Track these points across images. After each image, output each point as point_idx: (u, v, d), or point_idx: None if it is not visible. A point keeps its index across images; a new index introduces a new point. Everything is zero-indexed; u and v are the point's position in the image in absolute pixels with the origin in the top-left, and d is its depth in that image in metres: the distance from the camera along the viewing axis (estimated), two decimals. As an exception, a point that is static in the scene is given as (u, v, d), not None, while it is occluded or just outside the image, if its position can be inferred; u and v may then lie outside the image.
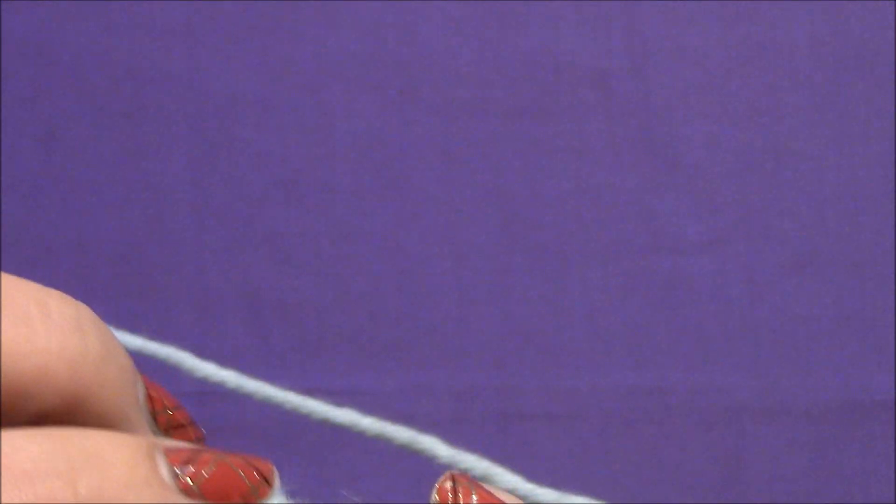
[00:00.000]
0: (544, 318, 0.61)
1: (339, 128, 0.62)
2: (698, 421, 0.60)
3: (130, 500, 0.20)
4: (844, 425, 0.59)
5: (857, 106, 0.61)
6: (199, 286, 0.61)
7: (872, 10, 0.62)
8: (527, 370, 0.60)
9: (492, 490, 0.24)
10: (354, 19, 0.63)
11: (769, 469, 0.59)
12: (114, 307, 0.59)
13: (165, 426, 0.23)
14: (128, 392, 0.22)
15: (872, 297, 0.60)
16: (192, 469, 0.21)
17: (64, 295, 0.21)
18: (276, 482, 0.22)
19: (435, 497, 0.23)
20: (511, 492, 0.26)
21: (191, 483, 0.21)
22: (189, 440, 0.24)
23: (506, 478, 0.26)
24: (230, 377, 0.25)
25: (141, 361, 0.24)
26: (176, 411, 0.24)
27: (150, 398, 0.23)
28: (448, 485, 0.24)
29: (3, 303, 0.20)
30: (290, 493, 0.22)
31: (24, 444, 0.19)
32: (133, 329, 0.27)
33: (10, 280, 0.21)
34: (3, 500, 0.19)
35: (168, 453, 0.21)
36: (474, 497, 0.23)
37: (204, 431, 0.25)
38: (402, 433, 0.26)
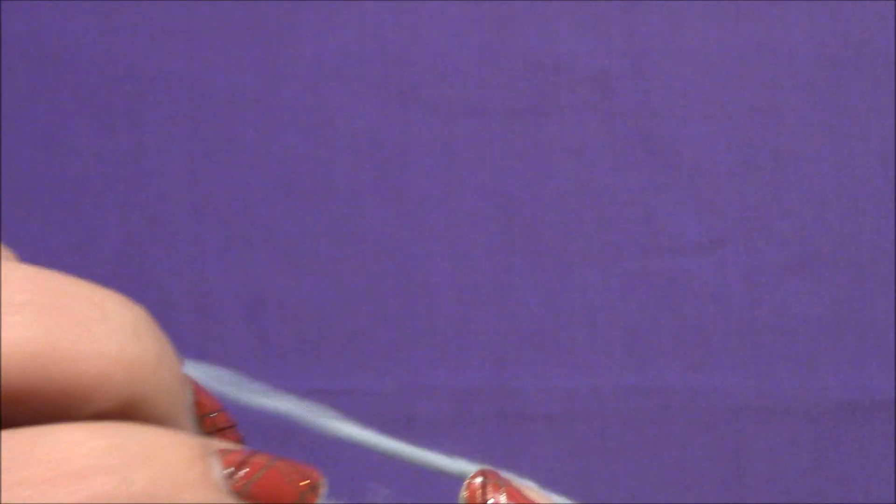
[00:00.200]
0: (544, 318, 0.61)
1: (339, 128, 0.62)
2: (698, 421, 0.60)
3: (183, 499, 0.20)
4: (844, 425, 0.59)
5: (857, 106, 0.61)
6: (199, 286, 0.61)
7: (872, 10, 0.62)
8: (527, 370, 0.60)
9: (522, 488, 0.24)
10: (354, 19, 0.63)
11: (769, 469, 0.59)
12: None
13: (210, 429, 0.24)
14: (179, 396, 0.22)
15: (872, 297, 0.60)
16: (244, 472, 0.21)
17: (122, 297, 0.22)
18: (324, 491, 0.22)
19: (464, 494, 0.23)
20: None
21: (242, 486, 0.21)
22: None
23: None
24: (284, 401, 0.26)
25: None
26: (218, 415, 0.24)
27: (196, 402, 0.23)
28: (478, 481, 0.24)
29: (62, 305, 0.21)
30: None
31: (82, 439, 0.20)
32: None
33: (68, 281, 0.21)
34: (60, 496, 0.19)
35: (221, 455, 0.21)
36: (504, 495, 0.23)
37: (242, 435, 0.25)
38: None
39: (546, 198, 0.62)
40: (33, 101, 0.63)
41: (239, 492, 0.21)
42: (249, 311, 0.61)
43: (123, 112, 0.63)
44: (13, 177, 0.62)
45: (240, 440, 0.24)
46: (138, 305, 0.22)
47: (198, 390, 0.24)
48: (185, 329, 0.60)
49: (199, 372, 0.26)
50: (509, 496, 0.24)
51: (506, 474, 0.24)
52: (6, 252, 0.24)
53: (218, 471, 0.21)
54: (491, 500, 0.23)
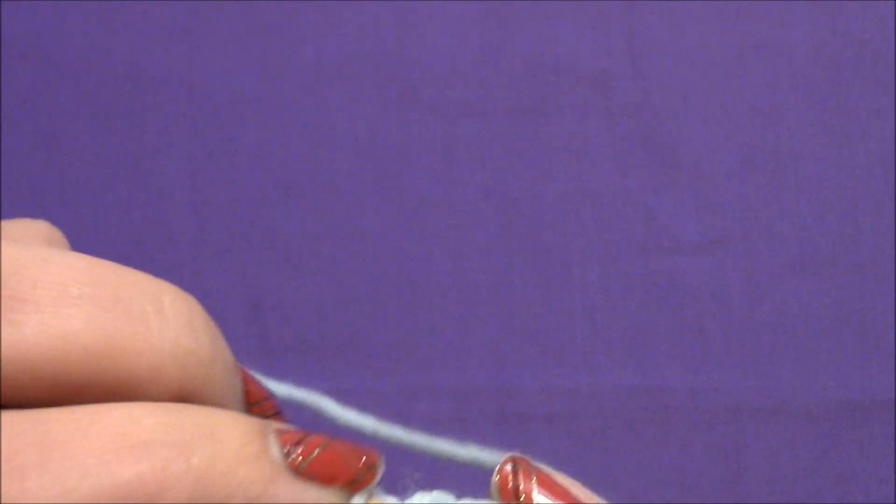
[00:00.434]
0: (544, 318, 0.61)
1: (339, 128, 0.62)
2: (698, 421, 0.60)
3: (241, 474, 0.20)
4: (844, 425, 0.59)
5: (857, 106, 0.61)
6: (199, 286, 0.61)
7: (872, 10, 0.62)
8: (527, 370, 0.60)
9: (553, 474, 0.24)
10: (354, 19, 0.63)
11: (769, 469, 0.59)
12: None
13: (259, 417, 0.24)
14: (231, 387, 0.23)
15: (872, 297, 0.60)
16: (301, 449, 0.21)
17: (177, 289, 0.22)
18: (381, 471, 0.22)
19: (496, 479, 0.24)
20: None
21: (299, 462, 0.21)
22: None
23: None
24: (368, 423, 0.26)
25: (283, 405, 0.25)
26: (266, 402, 0.24)
27: (245, 391, 0.24)
28: (508, 467, 0.24)
29: (118, 297, 0.21)
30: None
31: (143, 415, 0.20)
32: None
33: (125, 272, 0.22)
34: (122, 466, 0.19)
35: (279, 433, 0.21)
36: (535, 481, 0.24)
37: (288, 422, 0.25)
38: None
39: (546, 198, 0.62)
40: (33, 101, 0.63)
41: (296, 469, 0.21)
42: (249, 311, 0.61)
43: (123, 112, 0.63)
44: (13, 177, 0.62)
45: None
46: (192, 297, 0.22)
47: (247, 379, 0.24)
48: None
49: (284, 390, 0.26)
50: (540, 482, 0.24)
51: (536, 462, 0.24)
52: (61, 240, 0.24)
53: (276, 448, 0.21)
54: (522, 486, 0.23)
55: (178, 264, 0.61)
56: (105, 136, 0.62)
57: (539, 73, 0.62)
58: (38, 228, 0.25)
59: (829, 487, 0.59)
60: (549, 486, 0.24)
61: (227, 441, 0.20)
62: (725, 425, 0.60)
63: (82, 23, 0.63)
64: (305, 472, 0.21)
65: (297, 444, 0.21)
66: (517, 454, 0.24)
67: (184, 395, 0.21)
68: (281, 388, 0.27)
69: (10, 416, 0.19)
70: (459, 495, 0.24)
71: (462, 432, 0.63)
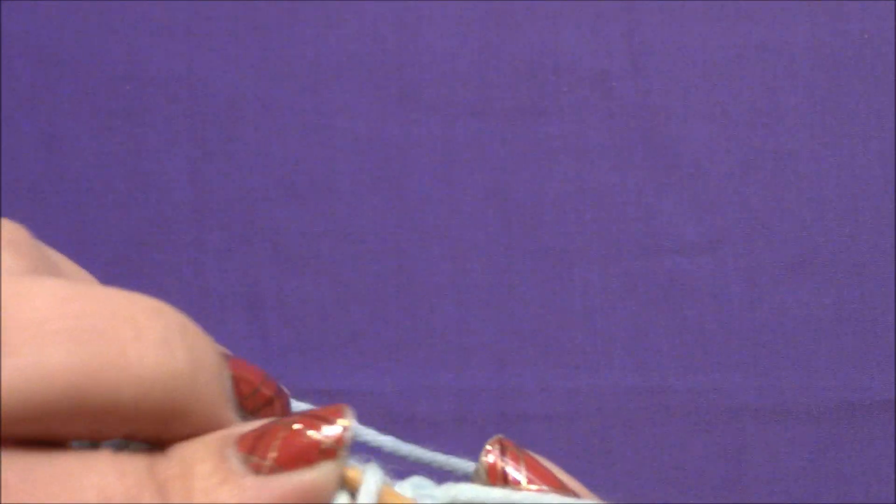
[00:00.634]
0: (544, 319, 0.61)
1: (339, 128, 0.62)
2: (698, 421, 0.60)
3: (219, 498, 0.21)
4: (844, 425, 0.59)
5: (857, 106, 0.61)
6: (199, 286, 0.61)
7: (872, 10, 0.62)
8: (527, 370, 0.60)
9: (537, 458, 0.24)
10: (354, 19, 0.63)
11: (769, 469, 0.59)
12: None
13: (253, 408, 0.24)
14: (217, 392, 0.22)
15: (872, 298, 0.60)
16: (260, 449, 0.21)
17: (151, 304, 0.22)
18: (352, 420, 0.22)
19: (483, 461, 0.24)
20: None
21: (263, 464, 0.21)
22: (276, 413, 0.24)
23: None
24: (387, 441, 0.26)
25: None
26: (263, 386, 0.24)
27: (237, 386, 0.24)
28: (497, 448, 0.24)
29: (97, 328, 0.21)
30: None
31: (112, 480, 0.20)
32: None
33: (100, 297, 0.21)
34: None
35: (238, 443, 0.22)
36: (523, 462, 0.24)
37: (288, 392, 0.25)
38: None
39: (546, 198, 0.62)
40: (33, 101, 0.63)
41: (260, 468, 0.21)
42: (249, 311, 0.61)
43: (123, 112, 0.63)
44: (13, 177, 0.62)
45: (284, 407, 0.25)
46: (168, 308, 0.22)
47: (236, 374, 0.24)
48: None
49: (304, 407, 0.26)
50: (527, 463, 0.24)
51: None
52: (23, 237, 0.24)
53: (236, 461, 0.21)
54: (510, 467, 0.24)
55: (178, 264, 0.61)
56: (105, 136, 0.62)
57: (539, 73, 0.62)
58: None
59: (829, 487, 0.59)
60: (536, 469, 0.24)
61: (196, 479, 0.21)
62: (725, 425, 0.60)
63: (82, 23, 0.63)
64: (272, 469, 0.21)
65: (255, 444, 0.22)
66: (503, 437, 0.25)
67: (169, 415, 0.21)
68: (300, 405, 0.27)
69: None
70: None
71: (462, 432, 0.63)
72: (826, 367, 0.60)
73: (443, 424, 0.59)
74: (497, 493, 0.23)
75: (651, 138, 0.62)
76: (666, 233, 0.61)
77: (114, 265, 0.61)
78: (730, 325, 0.60)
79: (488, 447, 0.24)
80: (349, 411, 0.22)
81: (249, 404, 0.24)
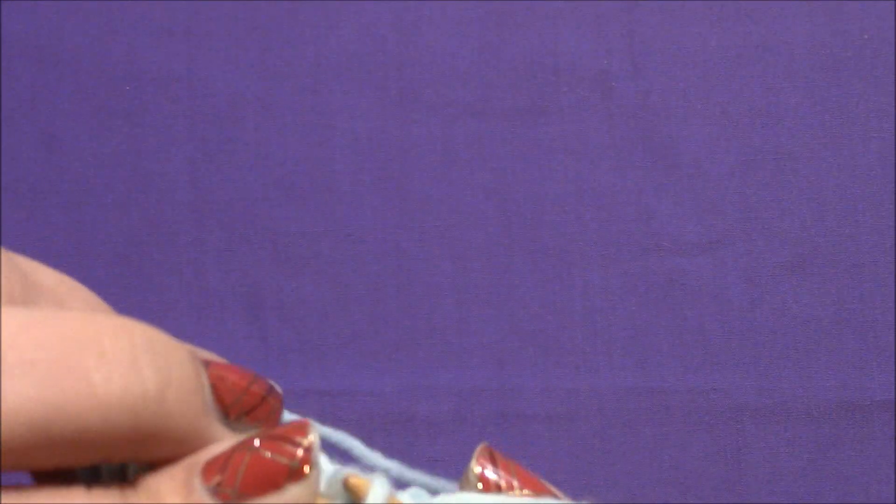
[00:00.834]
0: (544, 318, 0.61)
1: (339, 128, 0.62)
2: (698, 421, 0.60)
3: None
4: (844, 425, 0.59)
5: (857, 106, 0.61)
6: (199, 286, 0.61)
7: (872, 10, 0.62)
8: (527, 370, 0.60)
9: (523, 467, 0.25)
10: (354, 19, 0.63)
11: (769, 469, 0.59)
12: (114, 307, 0.59)
13: (237, 415, 0.23)
14: (193, 406, 0.22)
15: (872, 297, 0.60)
16: (225, 479, 0.21)
17: (116, 324, 0.21)
18: (315, 439, 0.22)
19: (475, 470, 0.24)
20: None
21: (230, 492, 0.21)
22: (262, 418, 0.24)
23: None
24: (393, 466, 0.26)
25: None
26: (251, 388, 0.24)
27: (218, 395, 0.23)
28: (486, 454, 0.24)
29: (60, 358, 0.20)
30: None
31: None
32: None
33: (62, 323, 0.21)
34: None
35: (204, 472, 0.21)
36: (513, 469, 0.24)
37: (280, 392, 0.25)
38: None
39: (546, 198, 0.62)
40: (33, 101, 0.63)
41: (229, 500, 0.21)
42: (249, 311, 0.61)
43: (123, 112, 0.63)
44: (13, 177, 0.62)
45: (272, 410, 0.24)
46: (135, 325, 0.21)
47: (219, 380, 0.23)
48: (185, 329, 0.60)
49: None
50: (517, 473, 0.24)
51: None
52: (22, 266, 0.23)
53: (203, 493, 0.21)
54: (502, 476, 0.24)
55: (178, 264, 0.61)
56: (105, 136, 0.62)
57: (539, 73, 0.62)
58: None
59: (829, 487, 0.59)
60: (524, 476, 0.24)
61: None
62: (725, 425, 0.60)
63: (82, 23, 0.63)
64: (240, 496, 0.21)
65: (221, 474, 0.21)
66: (489, 445, 0.25)
67: (142, 438, 0.21)
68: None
69: None
70: None
71: (462, 432, 0.63)
72: (826, 368, 0.60)
73: (443, 424, 0.59)
74: (494, 499, 0.23)
75: (651, 138, 0.62)
76: (666, 233, 0.61)
77: (114, 265, 0.61)
78: (730, 325, 0.60)
79: (478, 456, 0.24)
80: (313, 428, 0.22)
81: (235, 410, 0.23)
